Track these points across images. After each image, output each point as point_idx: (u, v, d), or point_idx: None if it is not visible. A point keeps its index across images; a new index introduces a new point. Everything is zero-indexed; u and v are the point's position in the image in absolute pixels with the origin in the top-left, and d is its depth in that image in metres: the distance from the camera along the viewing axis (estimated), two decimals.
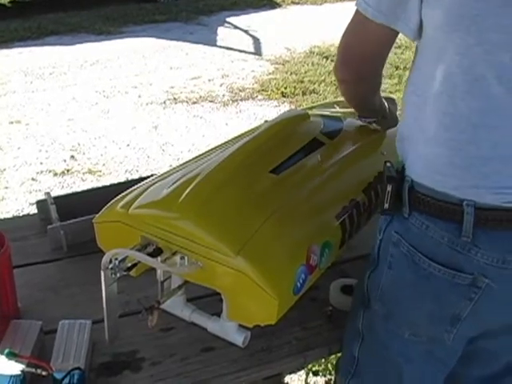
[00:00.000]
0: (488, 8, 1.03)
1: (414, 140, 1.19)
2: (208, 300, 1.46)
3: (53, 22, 8.07)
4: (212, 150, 1.57)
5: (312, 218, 1.40)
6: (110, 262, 1.21)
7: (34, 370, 1.22)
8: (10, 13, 8.56)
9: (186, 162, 1.53)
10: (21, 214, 3.66)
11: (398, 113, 1.79)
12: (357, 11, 1.21)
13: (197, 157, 1.54)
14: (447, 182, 1.13)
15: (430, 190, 1.15)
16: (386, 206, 1.22)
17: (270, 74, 6.39)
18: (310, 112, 1.76)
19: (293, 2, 9.68)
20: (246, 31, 8.06)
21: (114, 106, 5.54)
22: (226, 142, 1.61)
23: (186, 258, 1.27)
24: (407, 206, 1.19)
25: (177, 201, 1.29)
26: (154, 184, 1.41)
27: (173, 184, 1.36)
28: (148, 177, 1.55)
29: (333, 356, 2.30)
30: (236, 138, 1.62)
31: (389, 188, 1.20)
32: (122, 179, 4.03)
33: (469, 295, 1.15)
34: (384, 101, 1.65)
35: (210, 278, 1.28)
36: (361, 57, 1.29)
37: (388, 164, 1.26)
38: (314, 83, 5.97)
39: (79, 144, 4.77)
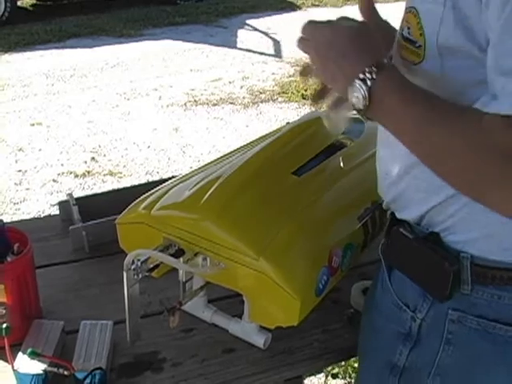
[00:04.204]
0: None
1: (467, 221, 1.05)
2: (229, 301, 1.46)
3: (74, 25, 8.15)
4: (233, 151, 1.57)
5: (334, 219, 1.40)
6: (133, 262, 1.21)
7: (56, 369, 1.23)
8: (31, 16, 8.66)
9: (208, 163, 1.53)
10: (42, 215, 3.70)
11: None
12: None
13: (218, 159, 1.54)
14: None
15: (500, 262, 1.04)
16: (447, 293, 1.06)
17: (290, 76, 6.39)
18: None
19: (313, 5, 9.68)
20: (266, 33, 8.08)
21: (134, 108, 5.57)
22: (248, 144, 1.61)
23: (208, 259, 1.27)
24: (469, 284, 1.07)
25: (199, 202, 1.29)
26: (175, 186, 1.41)
27: (194, 186, 1.36)
28: (169, 178, 1.55)
29: (353, 359, 2.30)
30: (258, 139, 1.62)
31: (450, 273, 1.04)
32: (143, 181, 4.06)
33: None
34: None
35: (232, 280, 1.28)
36: None
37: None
38: None
39: (100, 146, 4.80)
